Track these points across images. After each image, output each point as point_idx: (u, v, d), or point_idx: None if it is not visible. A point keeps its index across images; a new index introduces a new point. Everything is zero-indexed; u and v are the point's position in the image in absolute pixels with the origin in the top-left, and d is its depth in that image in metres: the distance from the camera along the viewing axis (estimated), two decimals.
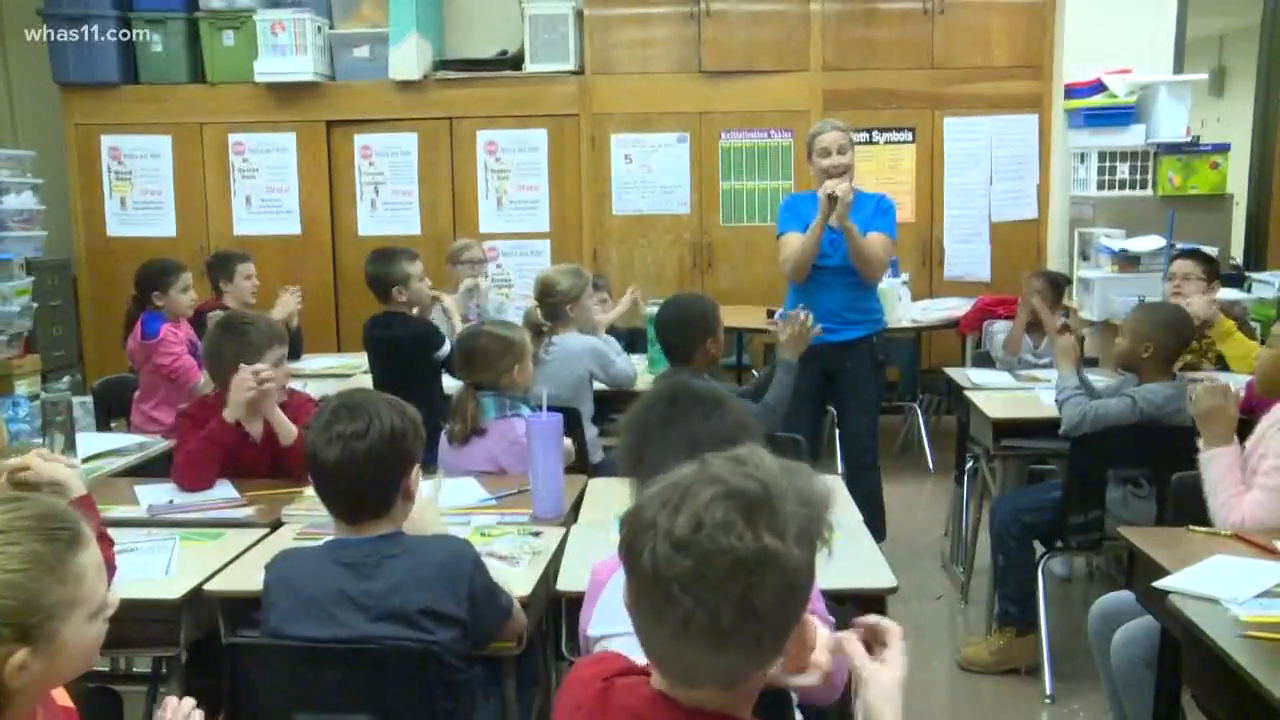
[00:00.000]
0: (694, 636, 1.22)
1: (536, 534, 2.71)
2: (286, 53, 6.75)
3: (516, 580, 2.41)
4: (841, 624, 1.58)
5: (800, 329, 3.74)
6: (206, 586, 2.46)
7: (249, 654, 2.18)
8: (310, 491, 2.88)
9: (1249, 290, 5.43)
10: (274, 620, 2.15)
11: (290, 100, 6.91)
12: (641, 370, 4.53)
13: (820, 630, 1.48)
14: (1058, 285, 5.04)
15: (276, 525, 2.84)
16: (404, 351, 4.39)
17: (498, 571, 2.33)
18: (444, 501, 2.94)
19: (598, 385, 4.26)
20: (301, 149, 7.01)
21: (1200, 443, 2.91)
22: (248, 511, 2.95)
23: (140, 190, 7.09)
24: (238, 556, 2.61)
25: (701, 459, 1.31)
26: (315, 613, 2.11)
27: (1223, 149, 6.03)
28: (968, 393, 4.34)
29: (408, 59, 6.79)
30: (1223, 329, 4.34)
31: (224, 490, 3.11)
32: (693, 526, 1.22)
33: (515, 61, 6.94)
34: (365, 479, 2.15)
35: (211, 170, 7.07)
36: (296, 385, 3.63)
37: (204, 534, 2.78)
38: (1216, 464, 2.82)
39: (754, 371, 6.42)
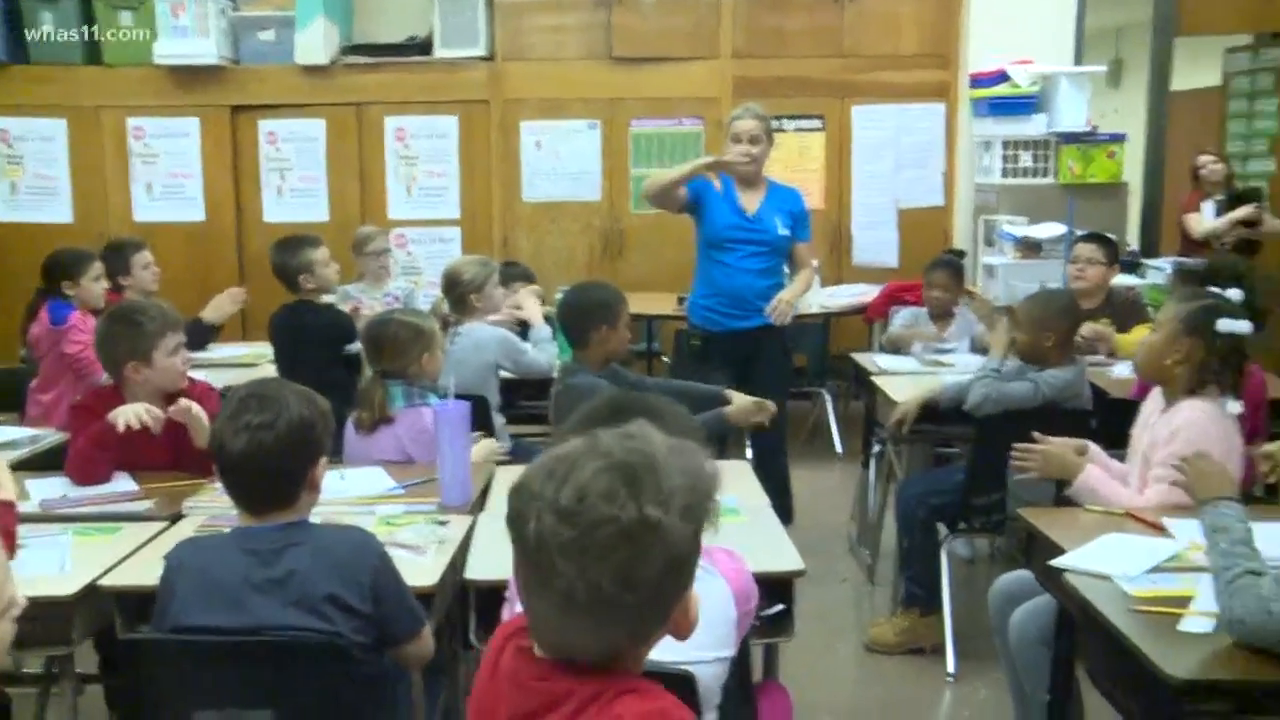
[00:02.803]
0: (577, 609, 1.23)
1: (443, 523, 2.68)
2: (188, 34, 6.57)
3: (423, 570, 2.39)
4: None
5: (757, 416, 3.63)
6: (102, 582, 2.39)
7: (146, 649, 2.13)
8: (213, 484, 2.84)
9: (1143, 276, 5.60)
10: (174, 609, 2.10)
11: (192, 84, 6.74)
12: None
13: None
14: (958, 270, 5.07)
15: (177, 518, 2.78)
16: (312, 341, 4.34)
17: (403, 562, 2.30)
18: (350, 491, 2.90)
19: (506, 374, 4.24)
20: (205, 134, 6.84)
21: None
22: (146, 504, 2.87)
23: (33, 175, 6.85)
24: (135, 550, 2.55)
25: (592, 434, 1.31)
26: (220, 599, 2.07)
27: (1119, 139, 6.20)
28: (874, 378, 4.40)
29: (315, 43, 6.67)
30: (1126, 346, 4.41)
31: (121, 483, 3.02)
32: (577, 497, 1.23)
33: (425, 47, 6.86)
34: (271, 470, 2.13)
35: (110, 155, 6.86)
36: (198, 374, 3.54)
37: (100, 528, 2.71)
38: (1089, 484, 2.84)
39: (664, 358, 6.44)
